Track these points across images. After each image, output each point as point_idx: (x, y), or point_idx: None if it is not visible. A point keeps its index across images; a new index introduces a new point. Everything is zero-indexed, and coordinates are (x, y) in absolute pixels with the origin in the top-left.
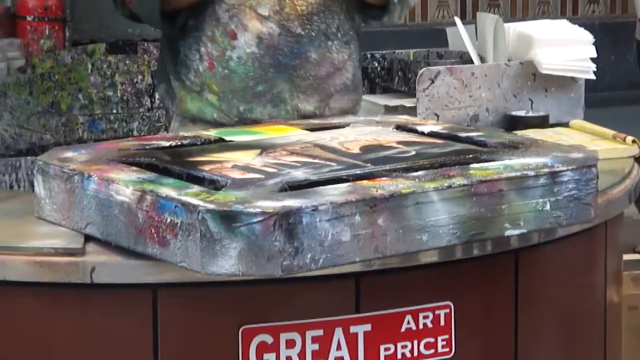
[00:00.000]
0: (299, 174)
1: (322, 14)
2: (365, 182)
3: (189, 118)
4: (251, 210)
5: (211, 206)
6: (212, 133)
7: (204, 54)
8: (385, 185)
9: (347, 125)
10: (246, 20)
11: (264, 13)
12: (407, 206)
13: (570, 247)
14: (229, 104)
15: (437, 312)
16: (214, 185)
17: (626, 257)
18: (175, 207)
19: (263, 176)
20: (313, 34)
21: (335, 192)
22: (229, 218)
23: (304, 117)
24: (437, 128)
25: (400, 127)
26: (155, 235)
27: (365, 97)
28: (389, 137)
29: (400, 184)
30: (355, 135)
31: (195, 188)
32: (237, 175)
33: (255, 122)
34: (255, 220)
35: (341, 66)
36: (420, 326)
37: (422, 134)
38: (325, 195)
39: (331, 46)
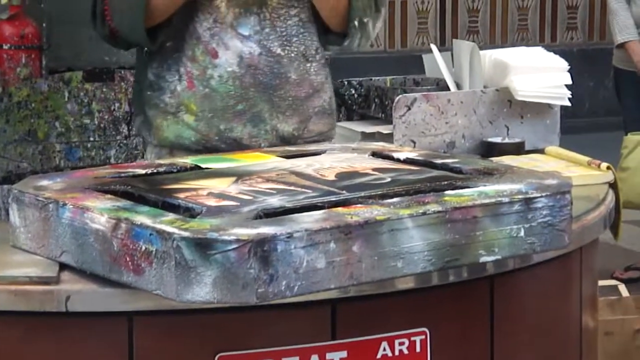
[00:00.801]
0: (275, 201)
1: (301, 35)
2: (340, 209)
3: (167, 147)
4: (226, 237)
5: (186, 234)
6: (188, 160)
7: (183, 74)
8: (360, 212)
9: (324, 152)
10: (227, 39)
11: (244, 33)
12: (381, 233)
13: (545, 273)
14: (208, 124)
15: (412, 338)
16: (189, 212)
17: (602, 282)
18: (150, 234)
19: (238, 203)
20: (292, 54)
21: (310, 219)
22: (203, 246)
23: (283, 138)
24: (413, 155)
25: (376, 154)
26: (130, 263)
27: (342, 123)
28: (365, 163)
29: (375, 211)
30: (331, 162)
31: (171, 216)
32: (213, 202)
33: (235, 141)
34: (230, 247)
35: (319, 88)
36: (397, 352)
37: (398, 160)
38: (300, 222)
39: (310, 68)
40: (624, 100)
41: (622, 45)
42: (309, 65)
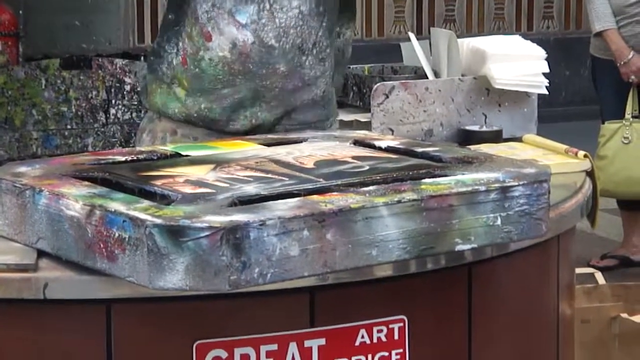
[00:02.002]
0: (250, 189)
1: (300, 28)
2: (315, 197)
3: (155, 112)
4: (198, 224)
5: (158, 221)
6: (169, 148)
7: (180, 49)
8: (334, 200)
9: (305, 140)
10: (223, 24)
11: (241, 20)
12: (356, 221)
13: (523, 261)
14: (194, 101)
15: (390, 326)
16: (165, 200)
17: (579, 270)
18: (124, 221)
19: (214, 191)
20: (287, 47)
21: (284, 207)
22: (175, 233)
23: (262, 125)
24: (394, 143)
25: (357, 142)
26: (104, 250)
27: None
28: (345, 152)
29: (350, 199)
30: (311, 150)
31: (145, 203)
32: (189, 190)
33: (213, 121)
34: (202, 235)
35: (311, 82)
36: (375, 340)
37: (379, 149)
38: (274, 210)
39: (304, 61)
40: (600, 89)
41: (599, 34)
42: (304, 58)
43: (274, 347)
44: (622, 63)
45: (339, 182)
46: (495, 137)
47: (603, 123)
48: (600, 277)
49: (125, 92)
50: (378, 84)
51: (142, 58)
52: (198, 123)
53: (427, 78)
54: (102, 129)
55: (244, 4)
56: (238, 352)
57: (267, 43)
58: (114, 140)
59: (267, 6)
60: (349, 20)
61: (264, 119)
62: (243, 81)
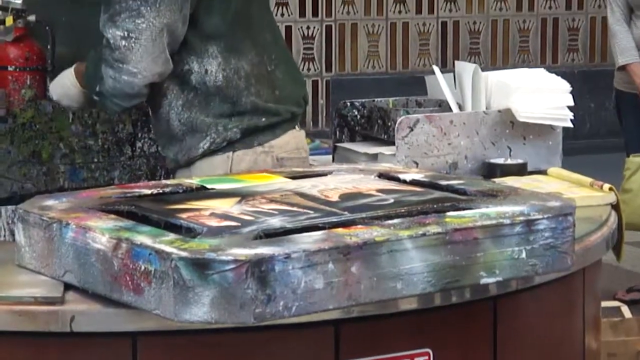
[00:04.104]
0: (275, 222)
1: None
2: (340, 230)
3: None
4: (224, 257)
5: (184, 254)
6: (194, 181)
7: None
8: (359, 233)
9: (330, 173)
10: None
11: None
12: (380, 254)
13: (548, 294)
14: None
15: (416, 359)
16: (190, 233)
17: (605, 304)
18: (150, 254)
19: (239, 224)
20: None
21: (309, 240)
22: (201, 266)
23: None
24: (419, 176)
25: (382, 175)
26: (130, 282)
27: (345, 144)
28: (369, 185)
29: (375, 232)
30: (335, 183)
31: (171, 236)
32: (214, 223)
33: None
34: (227, 268)
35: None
36: None
37: (404, 182)
38: (299, 243)
39: None
40: (625, 121)
41: (623, 67)
42: None
43: None
44: None
45: (364, 215)
46: (520, 170)
47: (628, 156)
48: (626, 311)
49: (151, 125)
50: (402, 117)
51: None
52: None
53: (452, 111)
54: (129, 162)
55: None
56: None
57: None
58: (140, 173)
59: None
60: None
61: None
62: None
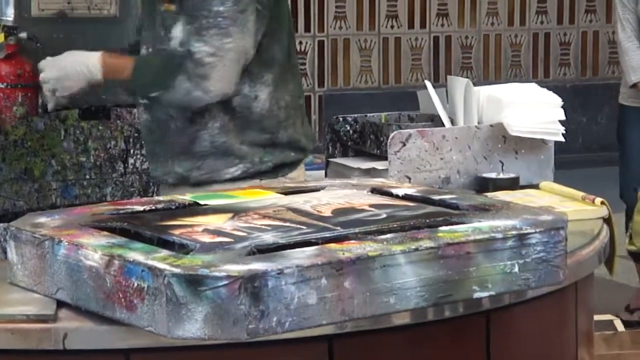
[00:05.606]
0: (268, 238)
1: None
2: (332, 245)
3: None
4: (217, 274)
5: (177, 270)
6: (187, 197)
7: None
8: (352, 248)
9: (323, 188)
10: None
11: None
12: (373, 269)
13: (541, 308)
14: None
15: None
16: (183, 249)
17: (597, 317)
18: (142, 271)
19: (232, 240)
20: None
21: (302, 256)
22: (194, 282)
23: None
24: (411, 191)
25: (375, 190)
26: (123, 299)
27: (338, 160)
28: (362, 200)
29: (368, 247)
30: (328, 198)
31: (164, 252)
32: (207, 239)
33: None
34: (220, 284)
35: None
36: None
37: (397, 196)
38: (292, 258)
39: None
40: (629, 137)
41: (634, 85)
42: None
43: None
44: None
45: (357, 230)
46: (512, 184)
47: (629, 171)
48: (619, 324)
49: (143, 142)
50: (395, 132)
51: None
52: None
53: (444, 126)
54: (121, 179)
55: None
56: None
57: None
58: (132, 189)
59: None
60: None
61: None
62: None
